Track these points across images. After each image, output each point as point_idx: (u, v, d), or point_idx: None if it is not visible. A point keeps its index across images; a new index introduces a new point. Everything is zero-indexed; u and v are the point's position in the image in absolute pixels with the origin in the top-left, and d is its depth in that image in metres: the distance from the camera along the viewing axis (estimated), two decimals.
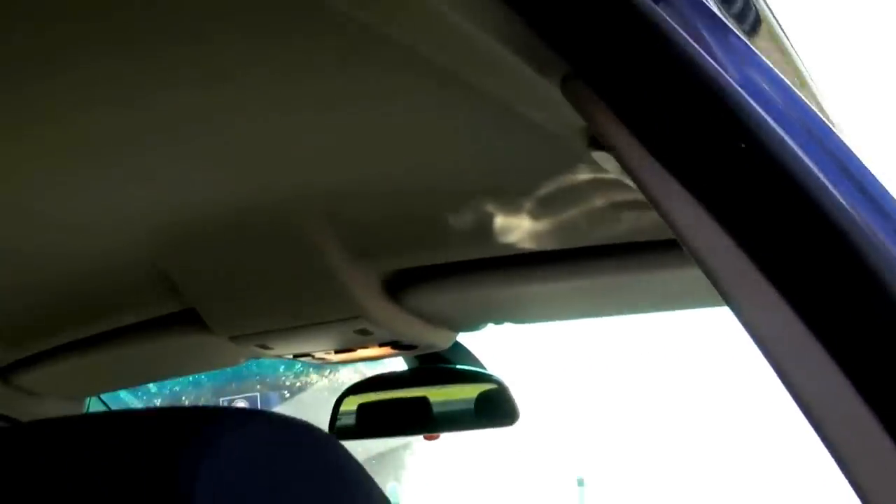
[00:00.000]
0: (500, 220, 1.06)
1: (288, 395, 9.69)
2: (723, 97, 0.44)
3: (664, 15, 0.45)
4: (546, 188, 0.98)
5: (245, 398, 7.33)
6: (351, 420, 1.55)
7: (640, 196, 0.91)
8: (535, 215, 1.03)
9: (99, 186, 1.01)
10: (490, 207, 1.04)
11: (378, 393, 1.53)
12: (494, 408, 1.48)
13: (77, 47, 0.72)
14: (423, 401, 1.49)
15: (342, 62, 0.77)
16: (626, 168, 0.49)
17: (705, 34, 0.47)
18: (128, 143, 0.90)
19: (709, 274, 0.45)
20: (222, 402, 7.17)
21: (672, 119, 0.45)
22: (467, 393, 1.49)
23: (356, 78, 0.79)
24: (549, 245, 1.09)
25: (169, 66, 0.76)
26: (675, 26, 0.45)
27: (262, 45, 0.74)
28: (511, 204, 1.03)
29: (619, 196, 0.96)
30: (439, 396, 1.50)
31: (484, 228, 1.07)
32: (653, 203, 0.48)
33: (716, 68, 0.44)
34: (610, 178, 0.92)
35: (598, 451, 7.86)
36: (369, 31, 0.68)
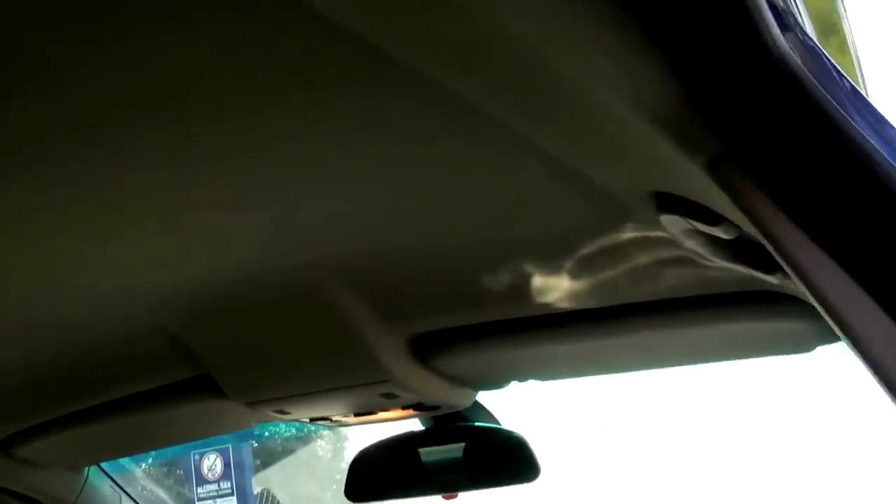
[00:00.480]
0: (536, 280, 1.05)
1: (256, 444, 9.53)
2: (888, 182, 0.44)
3: (832, 101, 0.46)
4: (587, 247, 0.97)
5: (217, 451, 7.18)
6: (366, 481, 1.52)
7: (685, 252, 0.92)
8: (573, 274, 1.03)
9: (111, 253, 0.99)
10: (527, 267, 1.03)
11: (394, 453, 1.51)
12: (515, 464, 1.47)
13: (90, 115, 0.70)
14: (442, 459, 1.46)
15: (374, 122, 0.75)
16: (780, 251, 0.49)
17: (860, 121, 0.47)
18: (141, 208, 0.88)
19: (870, 362, 0.45)
20: (193, 455, 7.02)
21: (836, 205, 0.46)
22: (487, 450, 1.47)
23: (389, 139, 0.78)
24: (587, 304, 1.09)
25: (183, 131, 0.74)
26: (844, 113, 0.45)
27: (283, 107, 0.72)
28: (549, 263, 1.02)
29: (665, 253, 0.96)
30: (457, 455, 1.48)
31: (519, 289, 1.06)
32: (809, 288, 0.48)
33: (881, 154, 0.44)
34: (655, 236, 0.92)
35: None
36: (425, 89, 0.66)
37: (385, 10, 0.53)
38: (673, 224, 0.79)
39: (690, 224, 0.76)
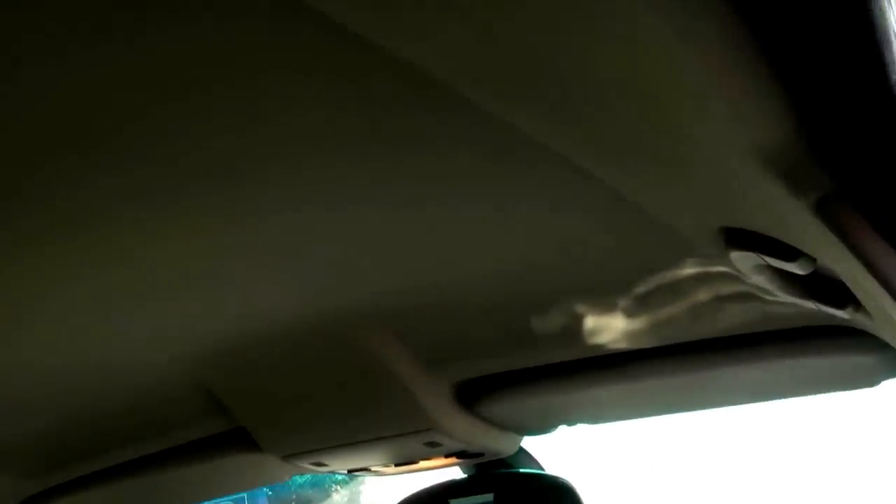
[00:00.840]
0: (589, 321, 1.01)
1: (270, 493, 9.44)
2: None
3: None
4: (643, 285, 0.93)
5: (232, 501, 7.10)
6: None
7: (748, 288, 0.88)
8: (628, 313, 0.99)
9: (137, 307, 0.95)
10: (579, 308, 0.99)
11: (434, 502, 1.45)
12: None
13: (119, 165, 0.67)
14: None
15: (415, 153, 0.70)
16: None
17: None
18: (170, 259, 0.84)
19: None
20: None
21: None
22: (526, 498, 1.42)
23: (434, 172, 0.74)
24: (641, 344, 1.04)
25: (207, 177, 0.70)
26: None
27: (315, 147, 0.68)
28: (603, 303, 0.98)
29: (725, 288, 0.92)
30: (489, 502, 1.42)
31: (571, 331, 1.02)
32: None
33: None
34: (716, 271, 0.88)
35: None
36: (479, 120, 0.62)
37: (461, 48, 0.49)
38: (742, 260, 0.75)
39: (763, 260, 0.73)
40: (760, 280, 0.79)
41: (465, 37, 0.47)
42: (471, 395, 1.17)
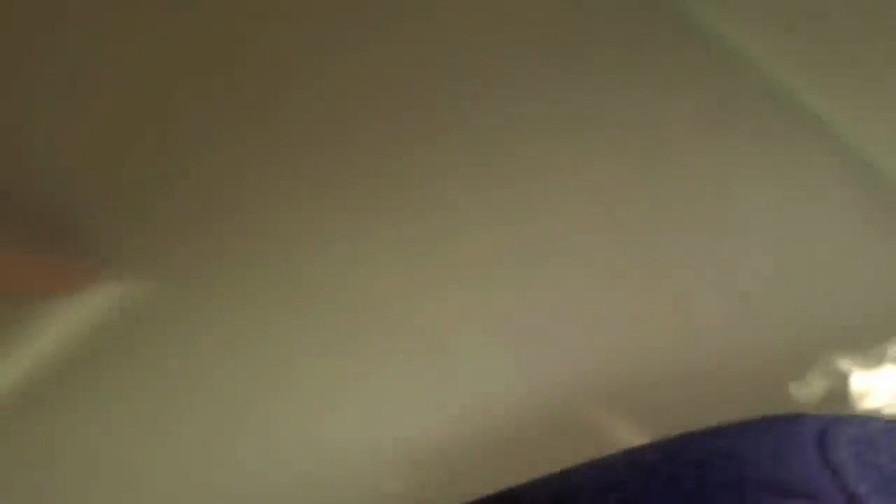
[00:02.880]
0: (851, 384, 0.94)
1: None
2: None
3: None
4: None
5: None
6: None
7: None
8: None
9: (356, 413, 0.94)
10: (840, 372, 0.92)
11: None
12: None
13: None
14: None
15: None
16: None
17: None
18: (395, 347, 0.82)
19: None
20: None
21: None
22: None
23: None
24: None
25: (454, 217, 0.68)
26: None
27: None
28: (863, 364, 0.91)
29: None
30: None
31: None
32: None
33: None
34: None
35: None
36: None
37: None
38: None
39: None
40: None
41: None
42: None
